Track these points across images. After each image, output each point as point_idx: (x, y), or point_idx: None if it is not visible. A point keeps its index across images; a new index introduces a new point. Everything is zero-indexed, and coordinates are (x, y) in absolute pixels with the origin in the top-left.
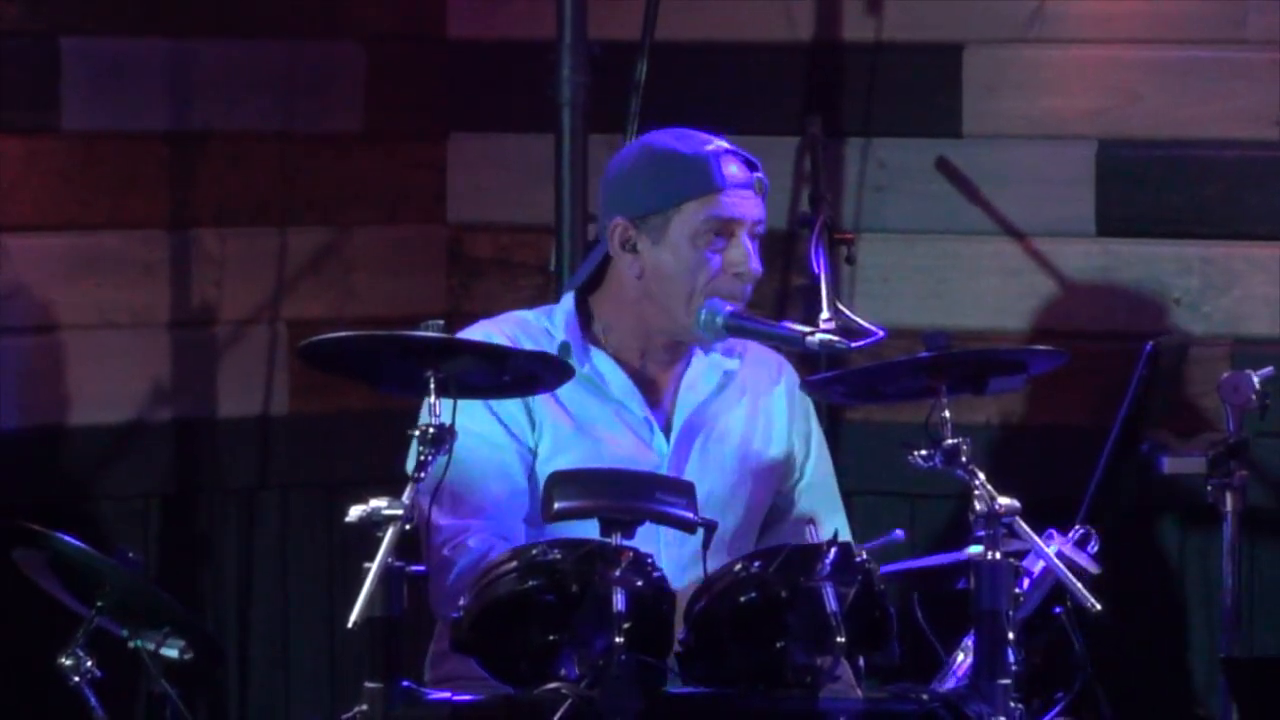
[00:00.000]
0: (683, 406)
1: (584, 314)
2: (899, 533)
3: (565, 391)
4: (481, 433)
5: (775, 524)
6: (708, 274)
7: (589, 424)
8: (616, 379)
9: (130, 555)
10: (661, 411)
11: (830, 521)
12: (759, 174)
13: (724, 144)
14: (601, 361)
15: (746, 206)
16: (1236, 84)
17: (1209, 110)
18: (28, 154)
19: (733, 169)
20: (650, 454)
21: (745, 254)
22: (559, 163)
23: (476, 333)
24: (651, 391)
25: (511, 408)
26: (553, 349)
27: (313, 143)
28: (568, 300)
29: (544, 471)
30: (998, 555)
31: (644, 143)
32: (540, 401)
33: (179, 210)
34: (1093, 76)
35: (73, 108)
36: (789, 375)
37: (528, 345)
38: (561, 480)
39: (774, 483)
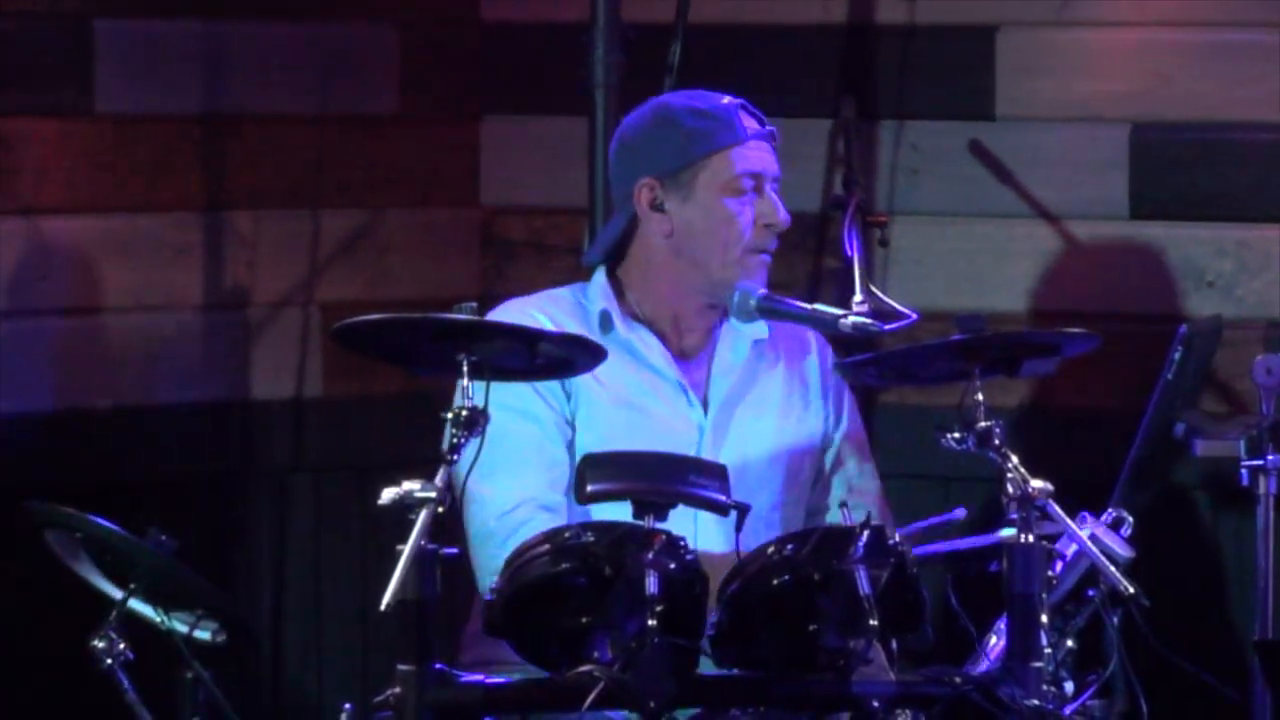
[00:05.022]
0: (718, 377)
1: (616, 287)
2: (960, 511)
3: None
4: (520, 407)
5: (816, 490)
6: (740, 226)
7: (625, 393)
8: (652, 347)
9: (163, 537)
10: (697, 384)
11: (862, 475)
12: (771, 127)
13: (735, 100)
14: (637, 330)
15: (767, 159)
16: (1270, 67)
17: (1243, 93)
18: (61, 136)
19: (751, 122)
20: (688, 424)
21: (773, 205)
22: (592, 145)
23: (510, 311)
24: (685, 361)
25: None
26: (590, 320)
27: (346, 125)
28: (599, 274)
29: (581, 441)
30: (1031, 538)
31: (660, 102)
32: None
33: (212, 193)
34: (1126, 59)
35: (106, 90)
36: (819, 341)
37: (564, 321)
38: (595, 462)
39: (812, 451)
